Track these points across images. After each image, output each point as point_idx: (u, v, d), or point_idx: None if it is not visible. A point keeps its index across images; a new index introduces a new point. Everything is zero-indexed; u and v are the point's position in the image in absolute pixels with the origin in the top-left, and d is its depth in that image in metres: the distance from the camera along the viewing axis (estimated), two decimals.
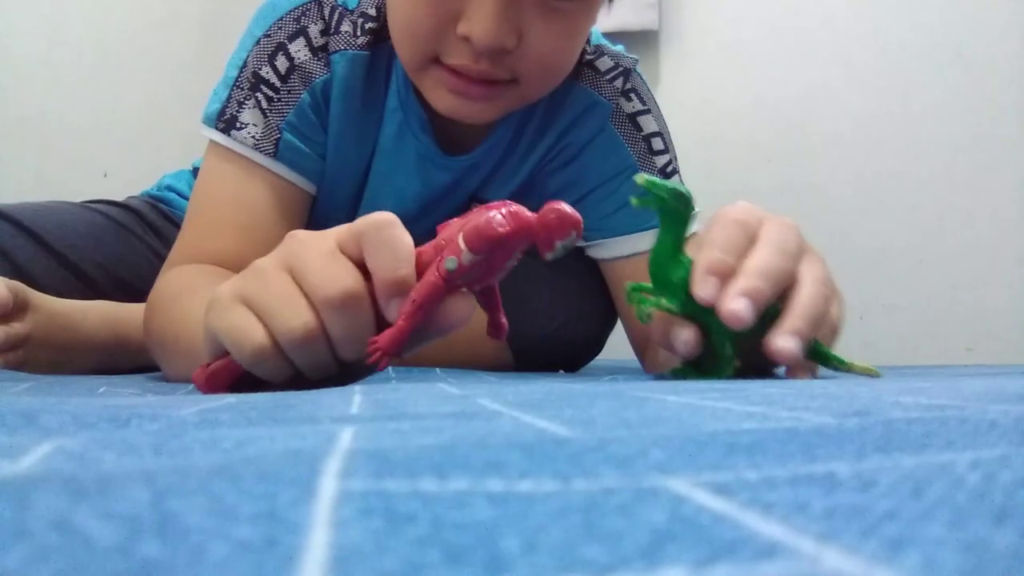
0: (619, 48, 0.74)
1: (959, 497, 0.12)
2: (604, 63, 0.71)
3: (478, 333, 0.73)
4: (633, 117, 0.72)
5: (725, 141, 1.50)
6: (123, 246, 0.81)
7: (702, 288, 0.41)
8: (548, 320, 0.72)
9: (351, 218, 0.39)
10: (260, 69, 0.65)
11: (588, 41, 0.71)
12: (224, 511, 0.11)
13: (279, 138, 0.64)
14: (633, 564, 0.10)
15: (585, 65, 0.71)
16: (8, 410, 0.23)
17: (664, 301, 0.44)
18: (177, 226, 0.67)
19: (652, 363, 0.72)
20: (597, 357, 0.80)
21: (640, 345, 0.75)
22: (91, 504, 0.11)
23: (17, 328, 0.61)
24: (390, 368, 0.63)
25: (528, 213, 0.36)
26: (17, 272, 0.70)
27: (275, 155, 0.64)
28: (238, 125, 0.64)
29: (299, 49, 0.65)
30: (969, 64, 1.40)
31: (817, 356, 0.45)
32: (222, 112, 0.65)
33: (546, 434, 0.18)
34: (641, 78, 0.74)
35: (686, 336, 0.44)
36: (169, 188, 0.94)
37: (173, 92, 1.50)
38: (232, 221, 0.63)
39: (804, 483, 0.13)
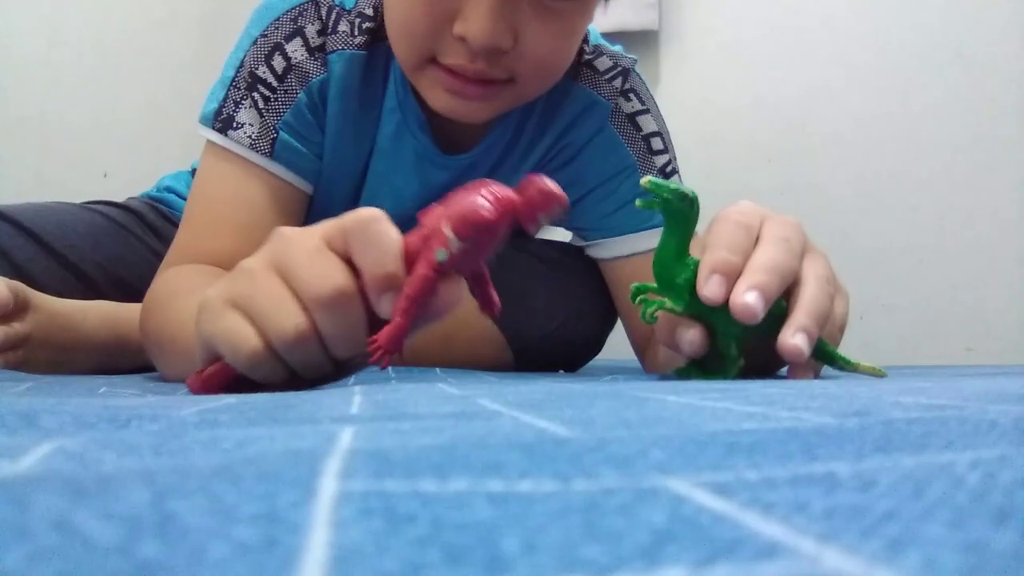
0: (618, 48, 0.74)
1: (959, 497, 0.12)
2: (603, 63, 0.71)
3: (478, 333, 0.73)
4: (632, 117, 0.72)
5: (725, 141, 1.50)
6: (123, 247, 0.81)
7: (708, 288, 0.41)
8: (548, 320, 0.72)
9: None
10: (257, 69, 0.65)
11: (587, 41, 0.71)
12: (224, 511, 0.11)
13: (275, 138, 0.64)
14: (633, 564, 0.10)
15: (584, 65, 0.71)
16: (8, 410, 0.23)
17: (669, 302, 0.44)
18: (176, 227, 0.67)
19: (652, 363, 0.72)
20: (597, 357, 0.80)
21: (640, 345, 0.75)
22: (91, 504, 0.11)
23: (17, 328, 0.61)
24: (390, 368, 0.63)
25: (509, 191, 0.36)
26: (17, 272, 0.70)
27: (271, 155, 0.64)
28: (235, 125, 0.64)
29: (296, 49, 0.65)
30: (969, 64, 1.40)
31: (823, 356, 0.45)
32: (219, 112, 0.65)
33: (546, 434, 0.18)
34: (640, 78, 0.74)
35: (692, 336, 0.44)
36: (168, 189, 0.94)
37: (173, 92, 1.50)
38: (229, 221, 0.63)
39: (804, 483, 0.13)
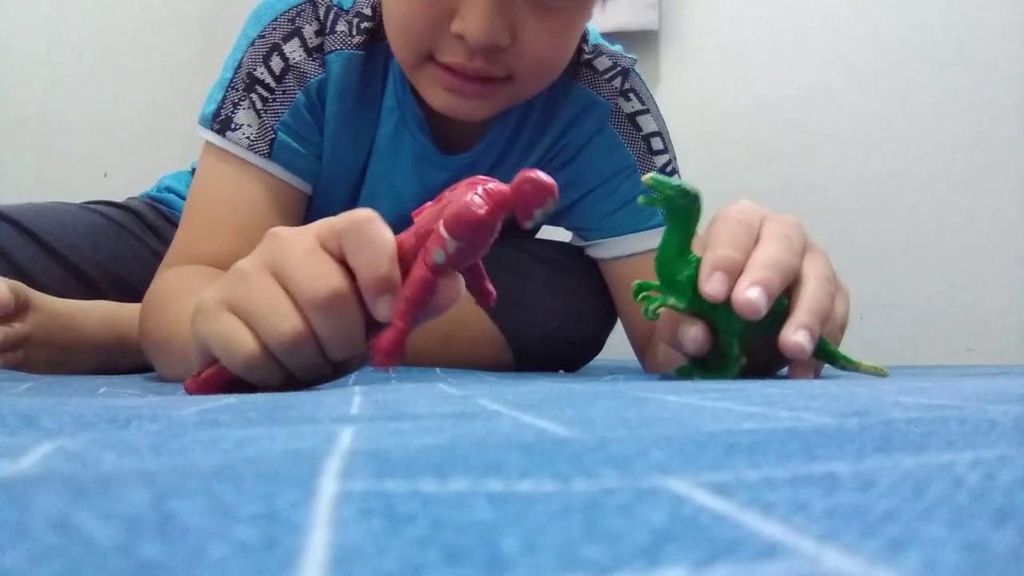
0: (617, 48, 0.74)
1: (959, 497, 0.12)
2: (602, 63, 0.71)
3: (478, 333, 0.73)
4: (632, 117, 0.72)
5: (725, 141, 1.50)
6: (122, 247, 0.81)
7: (710, 284, 0.41)
8: (548, 320, 0.72)
9: None
10: (255, 70, 0.65)
11: (586, 41, 0.71)
12: (224, 511, 0.11)
13: (274, 138, 0.64)
14: (633, 564, 0.10)
15: (583, 65, 0.71)
16: (8, 411, 0.23)
17: (671, 300, 0.44)
18: (176, 227, 0.67)
19: (652, 363, 0.72)
20: (597, 357, 0.80)
21: (640, 345, 0.75)
22: (91, 504, 0.11)
23: (17, 328, 0.61)
24: (390, 367, 0.63)
25: (502, 187, 0.36)
26: (17, 272, 0.70)
27: (269, 155, 0.64)
28: (233, 126, 0.64)
29: (294, 50, 0.65)
30: (969, 64, 1.40)
31: (824, 355, 0.45)
32: (217, 113, 0.65)
33: (546, 434, 0.18)
34: (639, 77, 0.74)
35: (694, 333, 0.44)
36: (168, 189, 0.94)
37: (173, 92, 1.50)
38: (228, 221, 0.63)
39: (804, 483, 0.13)
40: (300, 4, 0.66)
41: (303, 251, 0.36)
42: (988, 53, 1.39)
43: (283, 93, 0.65)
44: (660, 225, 0.71)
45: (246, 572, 0.09)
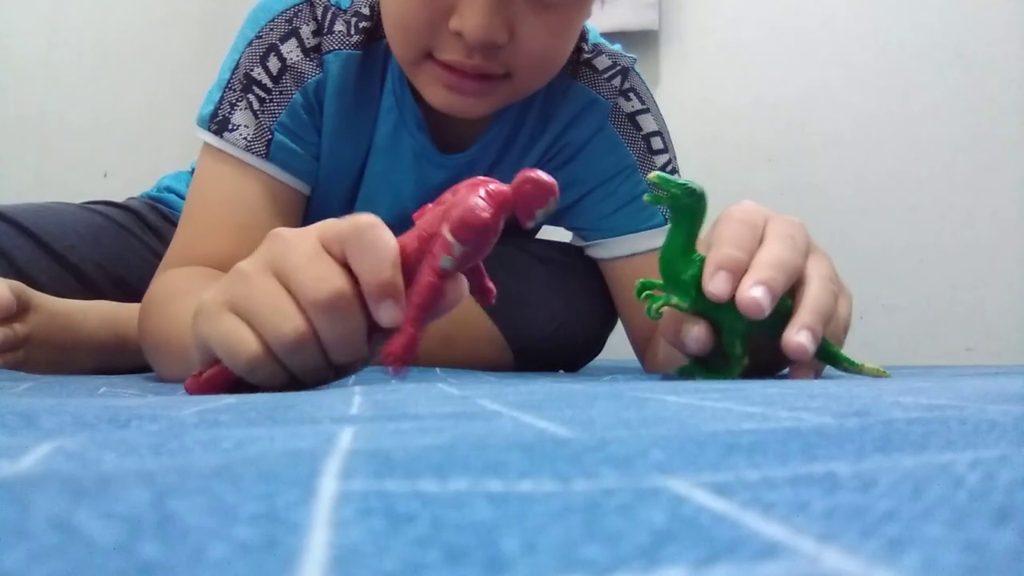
0: (617, 47, 0.74)
1: (959, 497, 0.12)
2: (602, 62, 0.71)
3: (478, 333, 0.73)
4: (632, 116, 0.72)
5: (725, 141, 1.50)
6: (122, 247, 0.81)
7: (714, 283, 0.41)
8: (548, 320, 0.72)
9: None
10: (252, 70, 0.65)
11: (586, 40, 0.71)
12: (224, 511, 0.11)
13: (271, 139, 0.64)
14: (633, 564, 0.10)
15: (583, 64, 0.71)
16: (8, 411, 0.23)
17: (675, 298, 0.44)
18: (176, 227, 0.67)
19: (652, 363, 0.72)
20: (597, 357, 0.80)
21: (640, 345, 0.75)
22: (91, 504, 0.11)
23: (17, 329, 0.61)
24: (390, 368, 0.63)
25: (504, 187, 0.36)
26: (17, 273, 0.70)
27: (267, 156, 0.64)
28: (230, 127, 0.64)
29: (291, 50, 0.65)
30: (969, 64, 1.40)
31: (827, 357, 0.45)
32: (215, 114, 0.65)
33: (546, 434, 0.18)
34: (639, 77, 0.74)
35: (697, 332, 0.44)
36: (168, 189, 0.94)
37: (173, 92, 1.50)
38: (226, 222, 0.63)
39: (804, 483, 0.13)
40: (297, 4, 0.66)
41: (306, 253, 0.36)
42: (988, 53, 1.39)
43: (280, 94, 0.65)
44: (660, 225, 0.71)
45: (246, 572, 0.09)
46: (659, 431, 0.18)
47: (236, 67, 0.66)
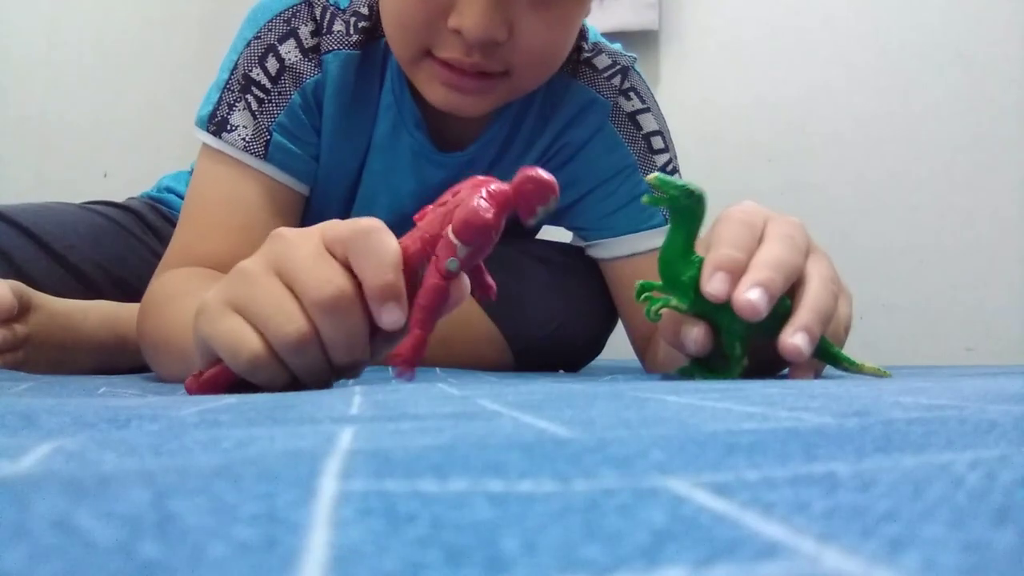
0: (617, 46, 0.74)
1: (959, 497, 0.12)
2: (602, 61, 0.71)
3: (478, 334, 0.73)
4: (633, 116, 0.72)
5: (725, 141, 1.50)
6: (122, 247, 0.81)
7: (712, 284, 0.41)
8: (548, 321, 0.72)
9: (346, 217, 0.39)
10: (250, 71, 0.65)
11: (585, 39, 0.71)
12: (224, 511, 0.11)
13: (269, 139, 0.64)
14: (633, 564, 0.10)
15: (583, 63, 0.71)
16: (8, 411, 0.23)
17: (674, 300, 0.44)
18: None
19: (652, 363, 0.72)
20: (597, 357, 0.80)
21: (640, 345, 0.75)
22: (91, 504, 0.11)
23: (17, 330, 0.61)
24: (390, 368, 0.63)
25: (504, 186, 0.36)
26: (17, 273, 0.70)
27: (265, 157, 0.64)
28: (229, 127, 0.64)
29: (290, 51, 0.65)
30: (969, 64, 1.40)
31: (827, 357, 0.45)
32: (213, 114, 0.65)
33: (546, 435, 0.18)
34: (640, 76, 0.74)
35: (696, 334, 0.44)
36: (168, 189, 0.94)
37: (173, 92, 1.50)
38: (225, 223, 0.63)
39: (804, 483, 0.13)
40: (296, 5, 0.66)
41: (309, 253, 0.36)
42: (988, 53, 1.39)
43: (279, 94, 0.65)
44: (661, 225, 0.71)
45: (246, 572, 0.09)
46: (659, 431, 0.18)
47: (234, 67, 0.66)
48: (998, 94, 1.38)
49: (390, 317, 0.35)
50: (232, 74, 0.65)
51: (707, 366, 0.46)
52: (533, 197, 0.36)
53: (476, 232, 0.35)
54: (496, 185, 0.36)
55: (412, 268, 0.36)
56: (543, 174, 0.36)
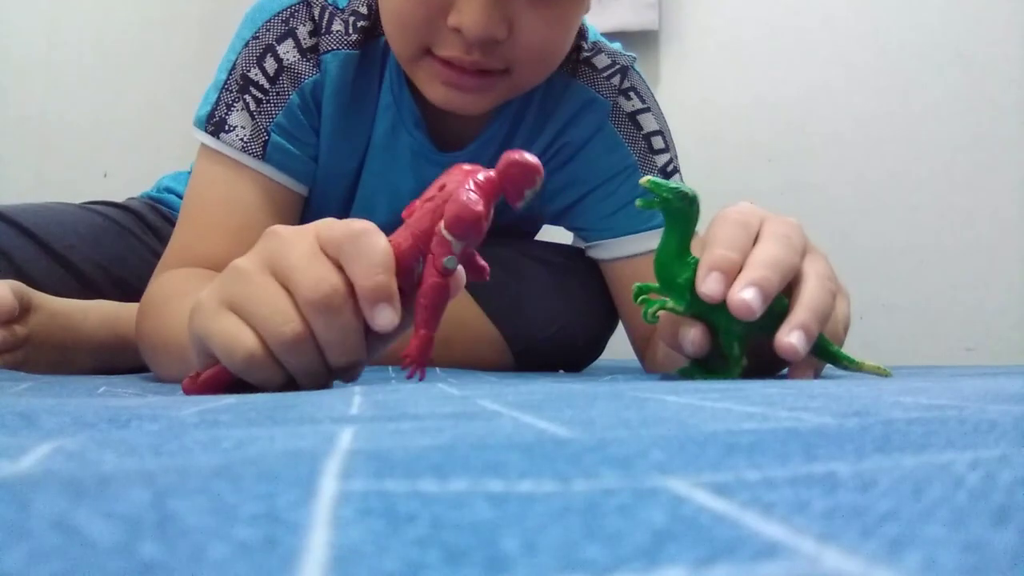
0: (616, 46, 0.74)
1: (959, 497, 0.12)
2: (601, 60, 0.71)
3: (478, 335, 0.73)
4: (633, 116, 0.72)
5: (725, 141, 1.50)
6: (122, 247, 0.81)
7: (707, 285, 0.41)
8: (549, 322, 0.72)
9: (345, 217, 0.39)
10: (249, 71, 0.65)
11: (585, 38, 0.71)
12: (224, 511, 0.11)
13: (267, 140, 0.64)
14: (633, 564, 0.10)
15: (582, 62, 0.71)
16: (8, 411, 0.23)
17: (670, 302, 0.44)
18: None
19: (652, 363, 0.72)
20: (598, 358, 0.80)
21: (640, 346, 0.75)
22: (91, 504, 0.11)
23: (17, 330, 0.61)
24: (390, 368, 0.63)
25: (490, 174, 0.37)
26: (17, 273, 0.70)
27: (263, 157, 0.64)
28: (227, 128, 0.64)
29: (288, 51, 0.65)
30: (969, 64, 1.40)
31: (826, 355, 0.45)
32: (211, 115, 0.65)
33: (546, 435, 0.18)
34: (639, 75, 0.74)
35: (693, 336, 0.44)
36: (168, 189, 0.94)
37: (173, 92, 1.50)
38: (223, 223, 0.63)
39: (804, 483, 0.13)
40: (294, 4, 0.66)
41: (303, 252, 0.36)
42: (988, 53, 1.39)
43: (277, 94, 0.65)
44: (661, 226, 0.70)
45: (246, 572, 0.09)
46: (659, 431, 0.18)
47: (233, 68, 0.65)
48: (998, 94, 1.38)
49: (382, 318, 0.35)
50: (230, 74, 0.65)
51: (706, 367, 0.46)
52: (519, 181, 0.36)
53: (468, 226, 0.36)
54: (483, 174, 0.37)
55: (405, 265, 0.36)
56: (527, 157, 0.36)
